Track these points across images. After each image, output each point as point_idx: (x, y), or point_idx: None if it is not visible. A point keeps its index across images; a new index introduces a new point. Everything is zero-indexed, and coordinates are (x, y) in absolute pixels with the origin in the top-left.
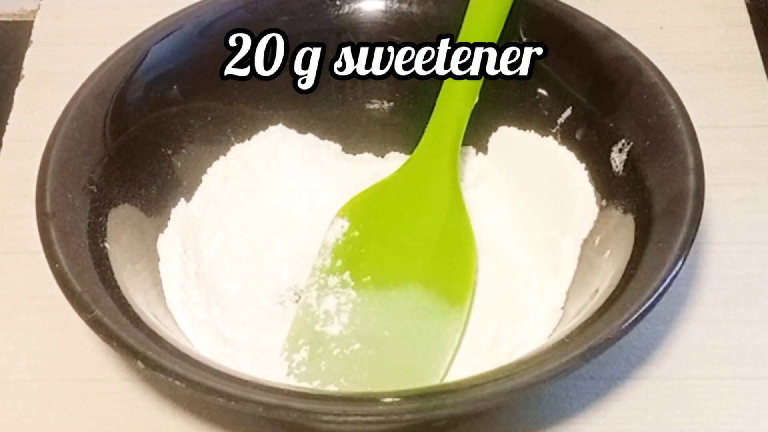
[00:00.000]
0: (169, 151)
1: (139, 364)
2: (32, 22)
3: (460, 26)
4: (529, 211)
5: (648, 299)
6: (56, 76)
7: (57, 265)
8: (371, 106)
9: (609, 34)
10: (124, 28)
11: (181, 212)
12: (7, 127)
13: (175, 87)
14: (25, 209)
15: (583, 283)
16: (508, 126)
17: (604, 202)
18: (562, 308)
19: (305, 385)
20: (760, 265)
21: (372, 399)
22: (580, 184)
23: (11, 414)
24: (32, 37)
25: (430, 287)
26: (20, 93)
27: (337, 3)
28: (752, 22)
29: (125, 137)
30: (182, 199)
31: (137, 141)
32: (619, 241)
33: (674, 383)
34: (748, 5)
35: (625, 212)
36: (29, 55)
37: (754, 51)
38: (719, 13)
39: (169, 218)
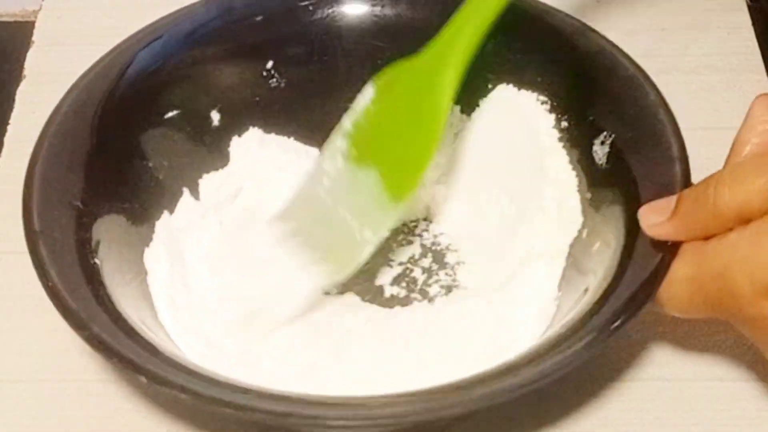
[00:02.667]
0: (150, 164)
1: (142, 379)
2: (34, 22)
3: (435, 28)
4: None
5: (644, 288)
6: (58, 76)
7: (50, 284)
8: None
9: (584, 29)
10: (125, 28)
11: (165, 224)
12: (8, 127)
13: (154, 99)
14: None
15: (574, 275)
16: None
17: (588, 195)
18: (556, 300)
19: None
20: None
21: (378, 404)
22: (565, 176)
23: (11, 414)
24: (34, 38)
25: (385, 177)
26: (21, 93)
27: (311, 8)
28: (753, 23)
29: (107, 151)
30: (165, 211)
31: (119, 155)
32: (608, 233)
33: (674, 384)
34: (749, 7)
35: (611, 204)
36: (31, 55)
37: (755, 52)
38: (720, 14)
39: (153, 230)
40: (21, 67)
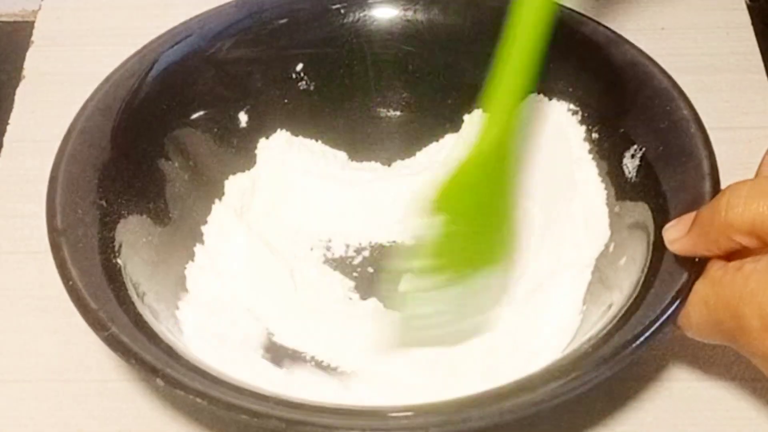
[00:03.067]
0: (176, 164)
1: (159, 381)
2: (33, 22)
3: (467, 34)
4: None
5: (666, 310)
6: (57, 77)
7: (71, 282)
8: (379, 115)
9: (618, 40)
10: (125, 28)
11: (192, 227)
12: (8, 127)
13: (181, 99)
14: (26, 209)
15: (599, 289)
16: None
17: (617, 208)
18: (580, 314)
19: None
20: None
21: (386, 413)
22: (595, 191)
23: (11, 414)
24: (33, 38)
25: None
26: (21, 93)
27: (342, 11)
28: (753, 23)
29: (132, 151)
30: (193, 214)
31: (144, 154)
32: (635, 248)
33: (674, 384)
34: (748, 6)
35: (639, 218)
36: (30, 55)
37: (755, 52)
38: (720, 14)
39: (178, 232)
40: (20, 67)
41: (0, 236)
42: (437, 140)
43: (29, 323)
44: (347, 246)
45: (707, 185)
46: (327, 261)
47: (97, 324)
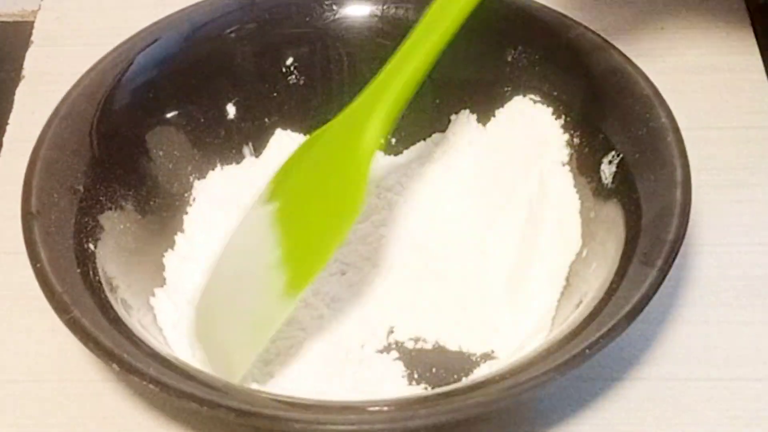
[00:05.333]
0: (161, 153)
1: (115, 366)
2: (33, 22)
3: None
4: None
5: (624, 320)
6: (57, 77)
7: (38, 265)
8: None
9: (604, 45)
10: (125, 28)
11: (173, 218)
12: (8, 127)
13: (165, 89)
14: None
15: (570, 296)
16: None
17: (592, 214)
18: (552, 317)
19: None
20: (760, 266)
21: (342, 408)
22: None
23: (11, 414)
24: (33, 38)
25: (288, 260)
26: (21, 93)
27: (334, 7)
28: (752, 23)
29: (115, 138)
30: (174, 204)
31: (127, 142)
32: (605, 254)
33: (674, 384)
34: (748, 6)
35: (612, 225)
36: (30, 55)
37: (755, 52)
38: (719, 14)
39: (159, 221)
40: (20, 68)
41: (0, 236)
42: (424, 139)
43: (29, 323)
44: None
45: (678, 193)
46: None
47: (59, 307)
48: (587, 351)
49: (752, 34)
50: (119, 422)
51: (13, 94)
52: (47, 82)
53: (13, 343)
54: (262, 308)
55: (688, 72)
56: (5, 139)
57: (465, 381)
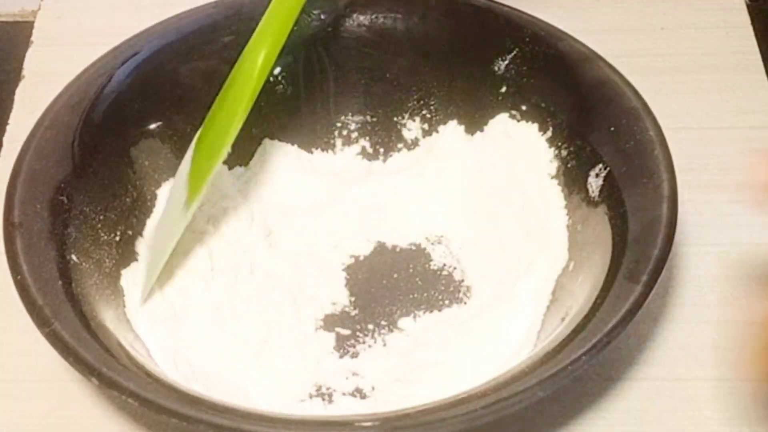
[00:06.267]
0: (146, 162)
1: (94, 380)
2: (33, 22)
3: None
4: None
5: (606, 337)
6: (57, 77)
7: (19, 277)
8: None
9: (592, 56)
10: (125, 28)
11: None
12: (7, 127)
13: (151, 99)
14: None
15: (556, 310)
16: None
17: (579, 227)
18: (537, 331)
19: None
20: (760, 266)
21: (305, 421)
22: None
23: (11, 414)
24: (33, 38)
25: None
26: (20, 93)
27: (322, 17)
28: (752, 23)
29: (99, 149)
30: (156, 211)
31: (112, 153)
32: (591, 268)
33: (674, 384)
34: (748, 6)
35: (598, 239)
36: (30, 55)
37: (755, 52)
38: (719, 14)
39: (144, 230)
40: (20, 67)
41: (0, 236)
42: (409, 149)
43: (29, 323)
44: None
45: (664, 208)
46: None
47: (40, 320)
48: (569, 368)
49: (752, 34)
50: (119, 422)
51: (13, 94)
52: (47, 82)
53: (13, 343)
54: (171, 224)
55: (688, 72)
56: (5, 139)
57: (447, 397)
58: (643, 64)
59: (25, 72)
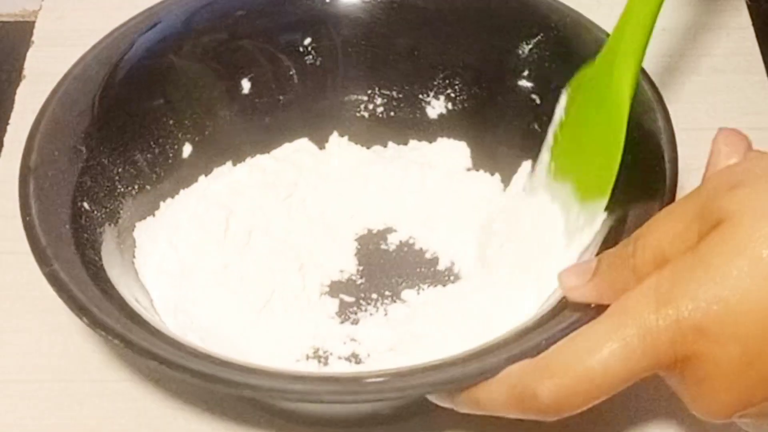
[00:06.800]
0: (171, 122)
1: (84, 320)
2: (34, 22)
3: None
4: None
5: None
6: (57, 77)
7: (28, 218)
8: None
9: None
10: None
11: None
12: (8, 127)
13: (174, 65)
14: None
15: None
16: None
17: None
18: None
19: None
20: None
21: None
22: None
23: (11, 414)
24: (33, 38)
25: (580, 186)
26: (21, 93)
27: None
28: (753, 24)
29: (123, 105)
30: (177, 181)
31: (139, 108)
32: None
33: None
34: (748, 7)
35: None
36: (30, 55)
37: (755, 53)
38: (720, 14)
39: (160, 188)
40: (21, 67)
41: (0, 236)
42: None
43: (29, 323)
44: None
45: (664, 200)
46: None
47: (41, 259)
48: (543, 342)
49: (752, 34)
50: (119, 422)
51: (13, 94)
52: (47, 82)
53: (13, 343)
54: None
55: (688, 72)
56: (5, 139)
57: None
58: (644, 64)
59: (25, 72)
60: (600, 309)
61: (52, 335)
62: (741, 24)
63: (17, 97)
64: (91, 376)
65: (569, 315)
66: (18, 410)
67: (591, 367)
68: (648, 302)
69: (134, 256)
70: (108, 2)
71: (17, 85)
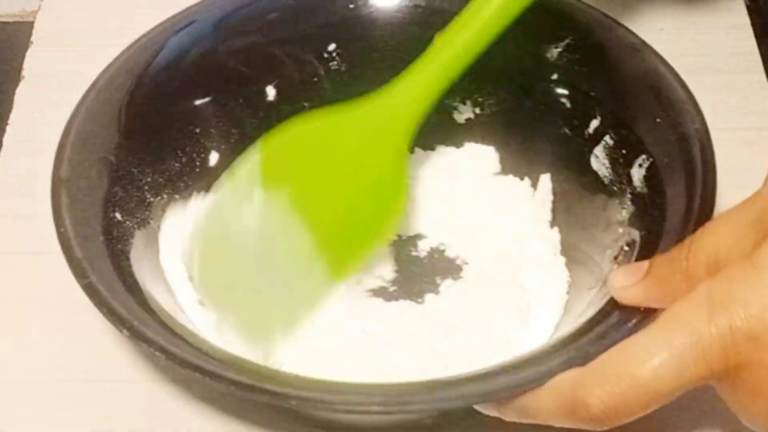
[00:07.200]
0: (198, 130)
1: (125, 332)
2: (33, 22)
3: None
4: None
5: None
6: (56, 77)
7: (62, 230)
8: None
9: (643, 48)
10: (125, 28)
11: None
12: (7, 128)
13: (205, 70)
14: (26, 209)
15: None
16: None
17: (622, 215)
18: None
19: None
20: None
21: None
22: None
23: (11, 414)
24: (32, 38)
25: (322, 244)
26: (20, 93)
27: None
28: (753, 23)
29: (150, 114)
30: (206, 188)
31: (163, 118)
32: (626, 258)
33: None
34: (747, 7)
35: (635, 228)
36: (29, 55)
37: (754, 53)
38: (720, 14)
39: (188, 200)
40: (20, 68)
41: (0, 236)
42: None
43: (29, 323)
44: None
45: (699, 202)
46: None
47: (78, 272)
48: (593, 350)
49: (752, 34)
50: (119, 422)
51: (13, 94)
52: (47, 82)
53: (13, 343)
54: (298, 289)
55: (688, 72)
56: (5, 139)
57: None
58: None
59: (25, 72)
60: (647, 314)
61: (52, 335)
62: (741, 24)
63: (16, 98)
64: (91, 376)
65: (616, 322)
66: (18, 410)
67: (642, 375)
68: (700, 310)
69: (162, 262)
70: (107, 2)
71: (16, 85)
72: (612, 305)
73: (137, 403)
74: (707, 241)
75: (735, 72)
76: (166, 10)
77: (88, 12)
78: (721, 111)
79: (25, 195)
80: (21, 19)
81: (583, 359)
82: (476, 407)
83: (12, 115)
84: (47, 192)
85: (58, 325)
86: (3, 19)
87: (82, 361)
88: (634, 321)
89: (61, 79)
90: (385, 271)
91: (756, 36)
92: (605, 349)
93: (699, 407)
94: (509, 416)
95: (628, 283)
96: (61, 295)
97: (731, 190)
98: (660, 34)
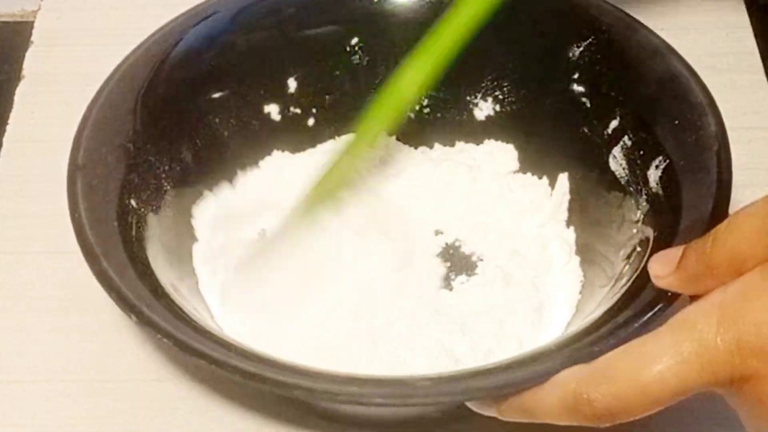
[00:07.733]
0: (217, 120)
1: (133, 318)
2: (33, 22)
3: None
4: None
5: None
6: (57, 77)
7: (76, 215)
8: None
9: (665, 50)
10: (125, 28)
11: (221, 192)
12: (7, 127)
13: (220, 63)
14: (26, 209)
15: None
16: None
17: (637, 215)
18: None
19: None
20: None
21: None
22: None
23: (11, 414)
24: (33, 38)
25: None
26: (20, 93)
27: None
28: (752, 23)
29: (170, 103)
30: (222, 174)
31: (182, 108)
32: (639, 257)
33: None
34: (747, 7)
35: (649, 227)
36: (30, 55)
37: (754, 52)
38: (720, 14)
39: (208, 189)
40: (20, 68)
41: (0, 236)
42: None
43: (29, 323)
44: None
45: (714, 205)
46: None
47: (90, 258)
48: (597, 349)
49: (752, 35)
50: (119, 422)
51: (13, 94)
52: (47, 82)
53: (13, 343)
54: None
55: None
56: (5, 139)
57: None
58: None
59: (25, 72)
60: (653, 316)
61: (52, 335)
62: (740, 24)
63: (16, 97)
64: (91, 376)
65: (622, 321)
66: (18, 410)
67: (647, 378)
68: (710, 320)
69: (181, 249)
70: (107, 2)
71: (16, 85)
72: (619, 304)
73: (139, 402)
74: (731, 235)
75: (735, 71)
76: (166, 10)
77: (88, 12)
78: (722, 110)
79: (25, 195)
80: (21, 19)
81: (587, 358)
82: (473, 408)
83: (12, 115)
84: (47, 192)
85: (59, 324)
86: (3, 19)
87: (82, 361)
88: (640, 322)
89: (61, 79)
90: (400, 266)
91: (756, 36)
92: (609, 349)
93: (699, 407)
94: (508, 415)
95: (663, 273)
96: (61, 294)
97: (732, 189)
98: (661, 33)
